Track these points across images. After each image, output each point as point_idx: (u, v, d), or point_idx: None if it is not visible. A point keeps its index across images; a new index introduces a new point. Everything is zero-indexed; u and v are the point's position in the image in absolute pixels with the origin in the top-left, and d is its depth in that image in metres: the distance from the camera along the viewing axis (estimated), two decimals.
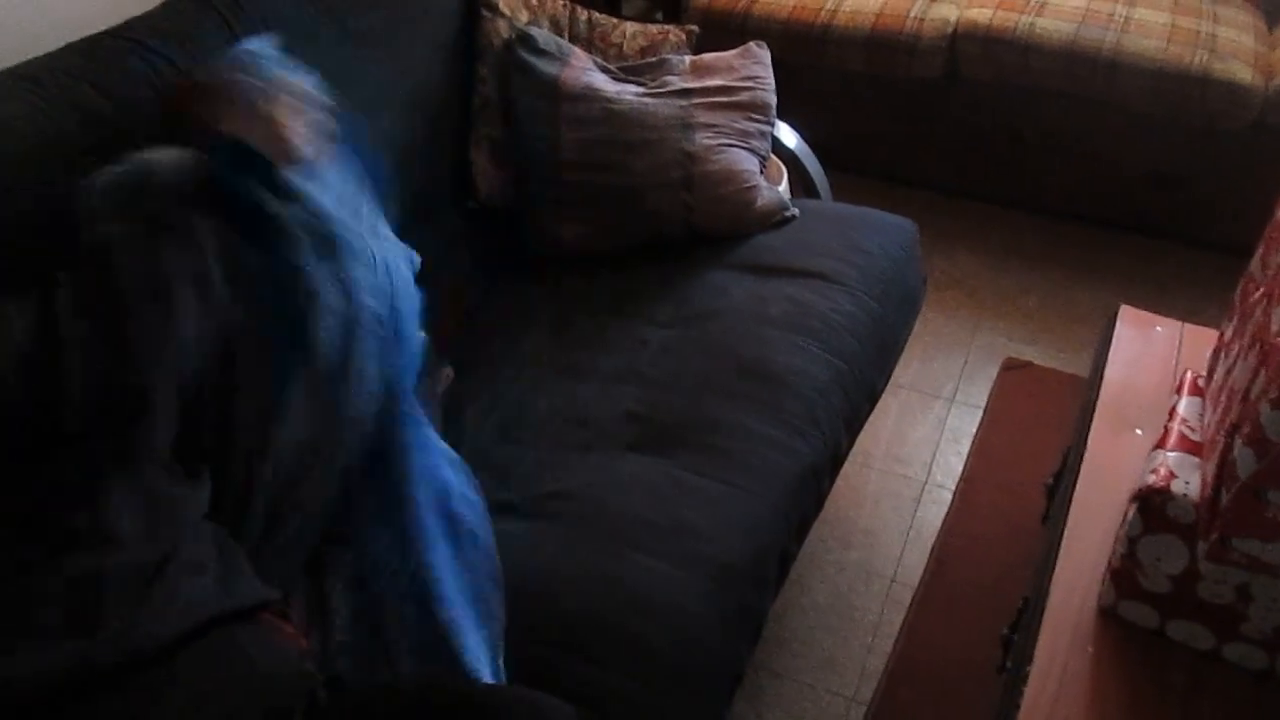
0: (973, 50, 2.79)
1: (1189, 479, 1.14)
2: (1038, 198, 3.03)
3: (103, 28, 1.54)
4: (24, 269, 1.30)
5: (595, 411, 1.53)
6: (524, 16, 2.04)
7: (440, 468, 1.32)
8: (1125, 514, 1.19)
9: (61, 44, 1.48)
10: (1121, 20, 2.75)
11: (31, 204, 1.32)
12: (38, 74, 1.41)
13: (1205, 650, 1.18)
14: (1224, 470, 1.04)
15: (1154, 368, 1.61)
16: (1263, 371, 1.01)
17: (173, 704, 0.97)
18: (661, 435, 1.49)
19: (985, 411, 2.38)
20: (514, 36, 1.98)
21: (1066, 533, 1.33)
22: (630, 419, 1.52)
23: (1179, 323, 1.72)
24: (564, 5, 2.11)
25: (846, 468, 1.73)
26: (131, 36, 1.53)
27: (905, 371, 2.43)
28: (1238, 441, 1.01)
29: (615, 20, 2.14)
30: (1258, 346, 1.08)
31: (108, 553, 1.01)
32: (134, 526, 1.04)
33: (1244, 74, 2.58)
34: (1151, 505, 1.13)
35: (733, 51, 2.05)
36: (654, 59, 2.05)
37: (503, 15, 2.01)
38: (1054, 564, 1.29)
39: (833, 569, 2.02)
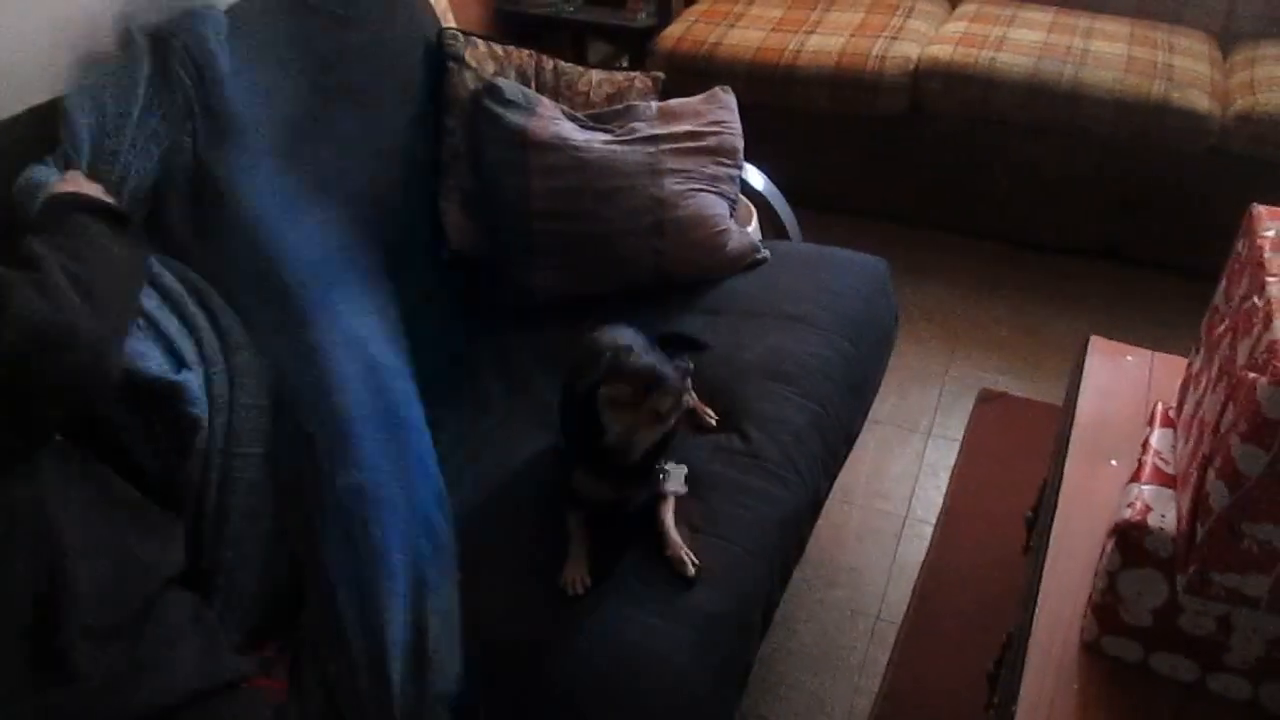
0: (935, 86, 2.84)
1: (1165, 512, 1.14)
2: (1006, 228, 3.06)
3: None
4: None
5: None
6: (490, 68, 2.05)
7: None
8: (1104, 548, 1.19)
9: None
10: (1079, 53, 2.80)
11: None
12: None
13: (1189, 682, 1.18)
14: (1199, 504, 1.05)
15: (1126, 397, 1.62)
16: (1231, 405, 1.02)
17: None
18: None
19: (962, 444, 2.39)
20: (481, 88, 1.99)
21: (1047, 568, 1.33)
22: None
23: (1149, 352, 1.73)
24: (530, 55, 2.13)
25: (827, 506, 1.73)
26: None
27: (881, 406, 2.44)
28: (1211, 475, 1.02)
29: (581, 69, 2.15)
30: (1225, 379, 1.09)
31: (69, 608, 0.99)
32: (97, 588, 1.01)
33: (1201, 101, 2.63)
34: (1129, 539, 1.13)
35: (699, 97, 2.07)
36: (621, 106, 2.06)
37: (469, 67, 2.02)
38: (1036, 600, 1.29)
39: (817, 608, 2.01)
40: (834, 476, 1.70)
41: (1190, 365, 1.34)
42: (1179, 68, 2.75)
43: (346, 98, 1.82)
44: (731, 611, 1.33)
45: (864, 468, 2.32)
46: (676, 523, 1.39)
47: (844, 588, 2.06)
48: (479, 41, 2.08)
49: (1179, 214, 2.80)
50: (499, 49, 2.10)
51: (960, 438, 2.41)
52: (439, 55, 2.03)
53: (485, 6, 3.32)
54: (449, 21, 2.28)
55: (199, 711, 1.01)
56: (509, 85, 2.00)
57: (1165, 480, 1.20)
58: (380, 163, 1.88)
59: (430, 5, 2.14)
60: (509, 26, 3.37)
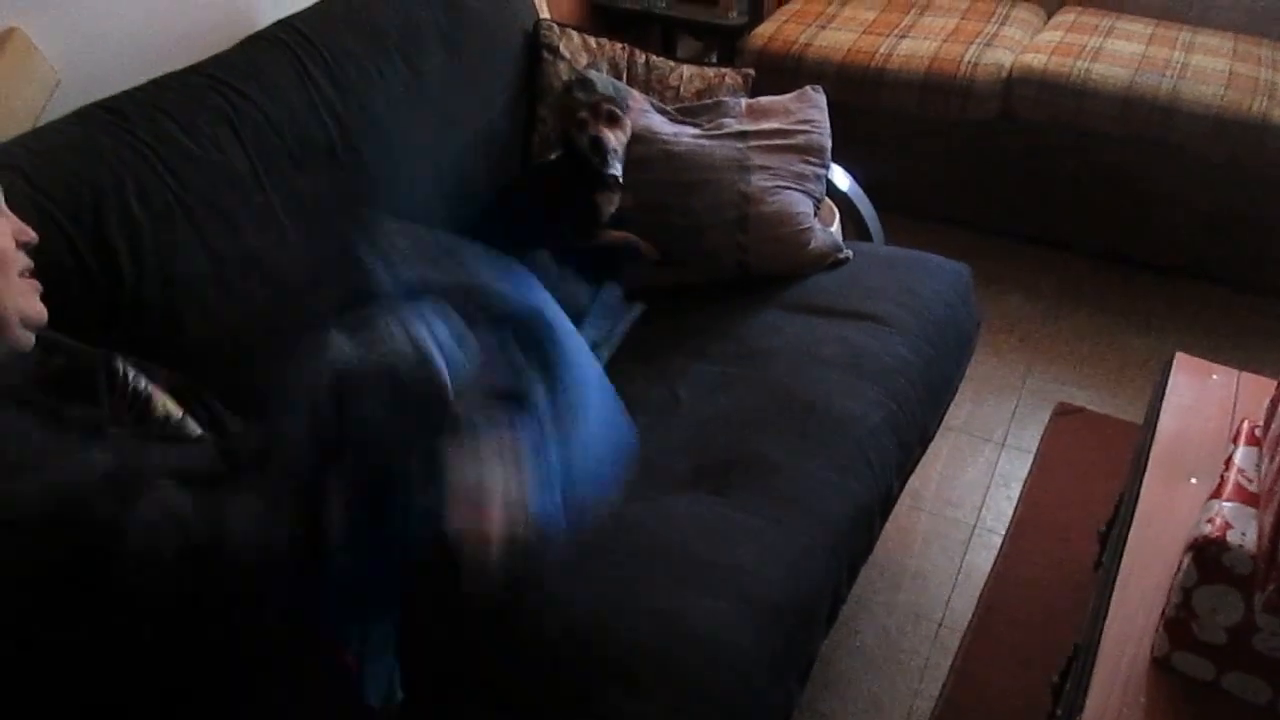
0: (1027, 94, 2.80)
1: (1245, 529, 1.13)
2: (1092, 241, 3.02)
3: (184, 64, 1.60)
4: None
5: (649, 447, 1.53)
6: (584, 59, 2.09)
7: None
8: (1180, 563, 1.18)
9: (146, 79, 1.55)
10: (1179, 66, 2.75)
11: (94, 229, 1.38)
12: (124, 108, 1.49)
13: (1262, 705, 1.16)
14: None
15: (1210, 416, 1.60)
16: None
17: None
18: (714, 473, 1.50)
19: (1036, 456, 2.36)
20: (573, 79, 2.03)
21: (1119, 580, 1.32)
22: (683, 455, 1.53)
23: (1235, 371, 1.70)
24: (623, 48, 2.16)
25: (896, 509, 1.73)
26: (210, 73, 1.60)
27: (956, 414, 2.42)
28: None
29: (673, 63, 2.18)
30: None
31: None
32: None
33: None
34: (1207, 555, 1.12)
35: (789, 95, 2.08)
36: (710, 101, 2.08)
37: (563, 58, 2.05)
38: (1106, 612, 1.28)
39: (881, 611, 2.01)
40: (906, 476, 1.70)
41: (1279, 384, 1.32)
42: None
43: (445, 78, 1.87)
44: (797, 601, 1.34)
45: (935, 474, 2.31)
46: None
47: (908, 591, 2.05)
48: (574, 33, 2.11)
49: (1273, 236, 2.73)
50: (593, 41, 2.13)
51: (1034, 450, 2.38)
52: (534, 45, 2.07)
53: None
54: (544, 13, 2.32)
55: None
56: (600, 77, 2.03)
57: (1247, 498, 1.19)
58: (472, 147, 1.93)
59: None
60: (601, 19, 3.40)
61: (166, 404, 1.09)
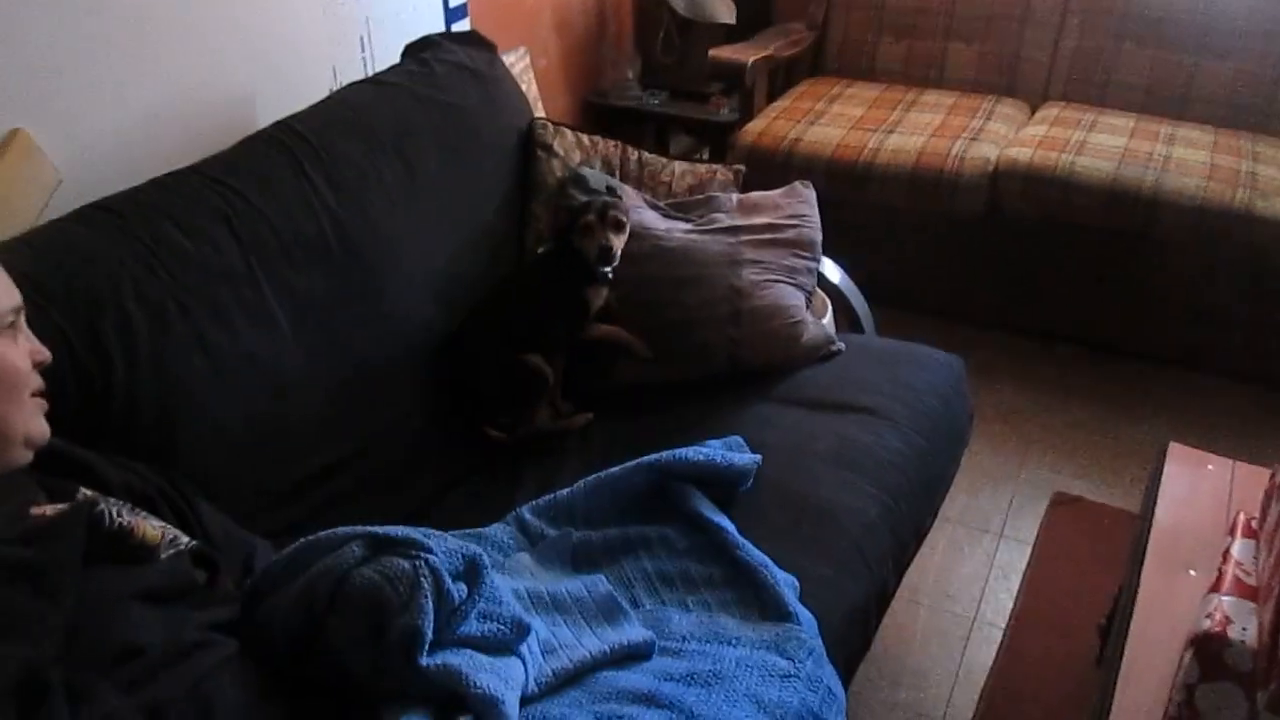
0: (1013, 188, 2.85)
1: (1246, 624, 1.12)
2: (1083, 331, 3.04)
3: (184, 164, 1.63)
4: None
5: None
6: (577, 157, 2.13)
7: None
8: (1181, 660, 1.16)
9: (146, 179, 1.57)
10: (1161, 159, 2.80)
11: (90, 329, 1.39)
12: (123, 207, 1.51)
13: None
14: None
15: (1206, 506, 1.60)
16: None
17: None
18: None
19: (1035, 547, 2.34)
20: (567, 176, 2.06)
21: (1121, 678, 1.30)
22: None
23: (1230, 461, 1.70)
24: (616, 146, 2.20)
25: (894, 604, 1.71)
26: (209, 173, 1.62)
27: (952, 505, 2.41)
28: None
29: (665, 160, 2.22)
30: None
31: None
32: None
33: None
34: (1208, 651, 1.11)
35: (778, 190, 2.11)
36: (702, 196, 2.11)
37: (557, 156, 2.09)
38: (1109, 711, 1.26)
39: (882, 709, 1.97)
40: (902, 571, 1.68)
41: (1274, 475, 1.32)
42: (1262, 176, 2.73)
43: (440, 178, 1.90)
44: None
45: (933, 567, 2.29)
46: None
47: (909, 689, 2.01)
48: (567, 131, 2.15)
49: (1262, 324, 2.76)
50: (586, 139, 2.17)
51: (1032, 541, 2.37)
52: (529, 144, 2.11)
53: (573, 97, 3.44)
54: (539, 111, 2.37)
55: None
56: (593, 174, 2.07)
57: (1246, 592, 1.18)
58: (469, 246, 1.95)
59: (523, 95, 2.23)
60: (595, 117, 3.48)
61: (146, 532, 1.08)
